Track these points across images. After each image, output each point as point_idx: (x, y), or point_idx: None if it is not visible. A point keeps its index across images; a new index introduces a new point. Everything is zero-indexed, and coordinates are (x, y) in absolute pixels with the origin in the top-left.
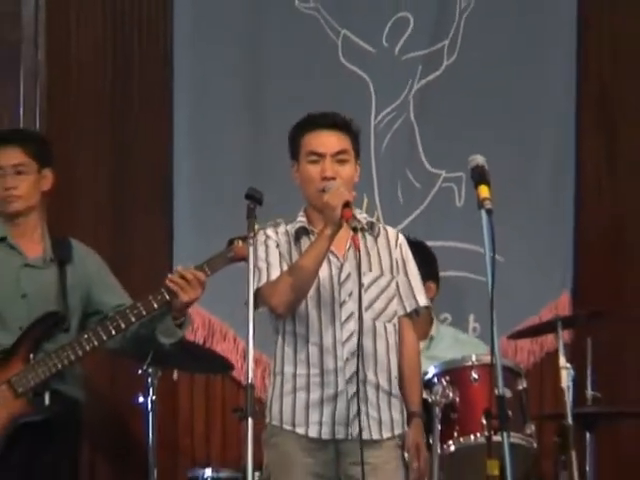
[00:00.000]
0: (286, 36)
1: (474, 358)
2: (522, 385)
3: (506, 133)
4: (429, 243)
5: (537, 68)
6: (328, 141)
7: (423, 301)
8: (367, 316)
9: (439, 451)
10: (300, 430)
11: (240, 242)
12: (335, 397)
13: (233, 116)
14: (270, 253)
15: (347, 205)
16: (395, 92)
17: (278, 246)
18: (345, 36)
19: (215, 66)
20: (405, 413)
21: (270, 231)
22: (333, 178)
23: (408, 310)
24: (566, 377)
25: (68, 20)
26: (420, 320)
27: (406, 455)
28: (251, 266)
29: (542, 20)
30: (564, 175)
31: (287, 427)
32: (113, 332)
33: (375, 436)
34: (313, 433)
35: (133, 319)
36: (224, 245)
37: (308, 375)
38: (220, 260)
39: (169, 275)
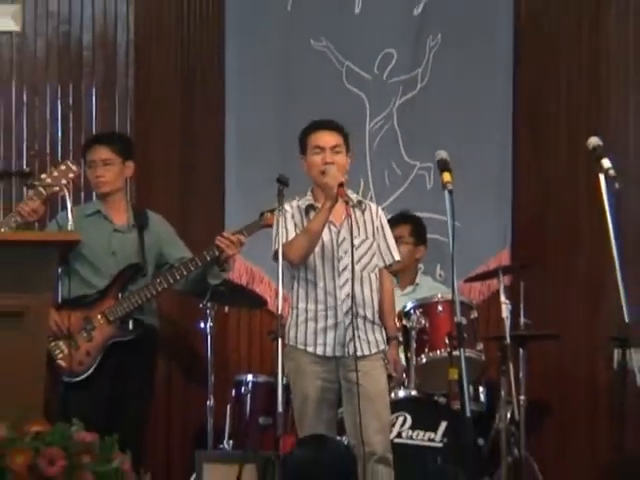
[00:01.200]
0: (306, 66)
1: (440, 296)
2: (474, 315)
3: (463, 134)
4: (408, 212)
5: (484, 87)
6: (327, 138)
7: (397, 257)
8: (357, 268)
9: (414, 362)
10: (310, 349)
11: (268, 214)
12: (335, 326)
13: (268, 126)
14: (287, 222)
15: (341, 185)
16: (383, 106)
17: (293, 217)
18: (348, 66)
19: (256, 88)
20: (384, 334)
21: (287, 206)
22: (331, 163)
23: (387, 263)
24: (505, 309)
25: (150, 55)
26: (408, 270)
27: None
28: (281, 230)
29: (487, 53)
30: (504, 163)
31: (301, 347)
32: (178, 277)
33: (365, 352)
34: (319, 352)
35: (192, 268)
36: (257, 216)
37: (316, 310)
38: (254, 226)
39: (218, 237)
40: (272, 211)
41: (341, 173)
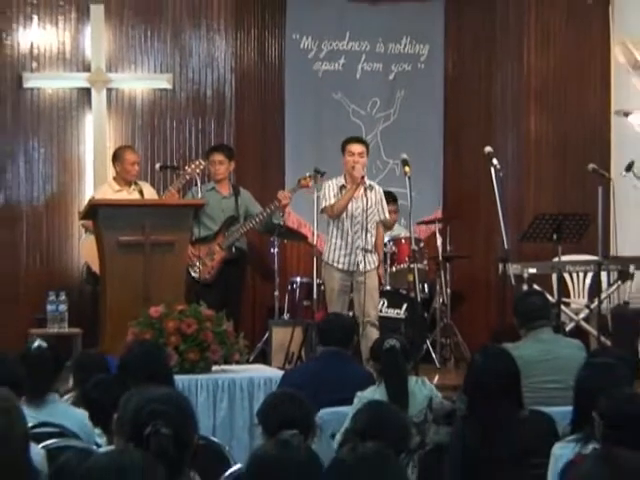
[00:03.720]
0: (329, 108)
1: (403, 234)
2: (422, 245)
3: (416, 144)
4: (387, 189)
5: (427, 120)
6: (356, 147)
7: (387, 215)
8: (366, 222)
9: (389, 271)
10: (336, 264)
11: (303, 180)
12: (350, 253)
13: (309, 141)
14: (330, 192)
15: (362, 177)
16: (372, 130)
17: (333, 190)
18: (353, 108)
19: (302, 121)
20: (377, 258)
21: (329, 182)
22: (357, 163)
23: (381, 219)
24: (439, 241)
25: (243, 102)
26: (390, 222)
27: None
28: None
29: (429, 101)
30: (438, 160)
31: (330, 263)
32: (257, 220)
33: (367, 268)
34: (340, 267)
35: (265, 214)
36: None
37: (341, 244)
38: (296, 188)
39: (278, 194)
40: (305, 178)
41: (362, 169)
